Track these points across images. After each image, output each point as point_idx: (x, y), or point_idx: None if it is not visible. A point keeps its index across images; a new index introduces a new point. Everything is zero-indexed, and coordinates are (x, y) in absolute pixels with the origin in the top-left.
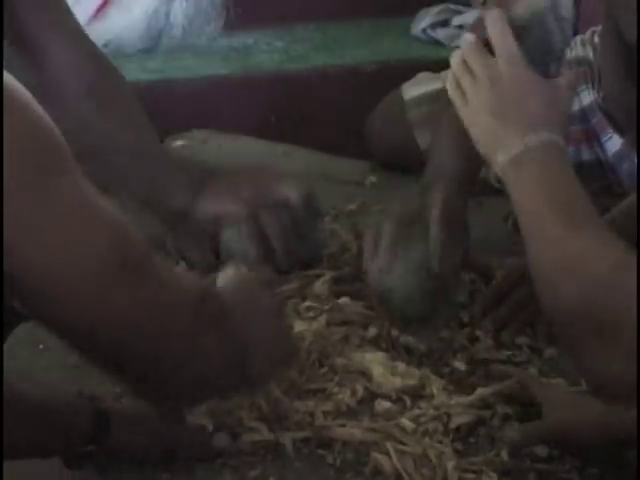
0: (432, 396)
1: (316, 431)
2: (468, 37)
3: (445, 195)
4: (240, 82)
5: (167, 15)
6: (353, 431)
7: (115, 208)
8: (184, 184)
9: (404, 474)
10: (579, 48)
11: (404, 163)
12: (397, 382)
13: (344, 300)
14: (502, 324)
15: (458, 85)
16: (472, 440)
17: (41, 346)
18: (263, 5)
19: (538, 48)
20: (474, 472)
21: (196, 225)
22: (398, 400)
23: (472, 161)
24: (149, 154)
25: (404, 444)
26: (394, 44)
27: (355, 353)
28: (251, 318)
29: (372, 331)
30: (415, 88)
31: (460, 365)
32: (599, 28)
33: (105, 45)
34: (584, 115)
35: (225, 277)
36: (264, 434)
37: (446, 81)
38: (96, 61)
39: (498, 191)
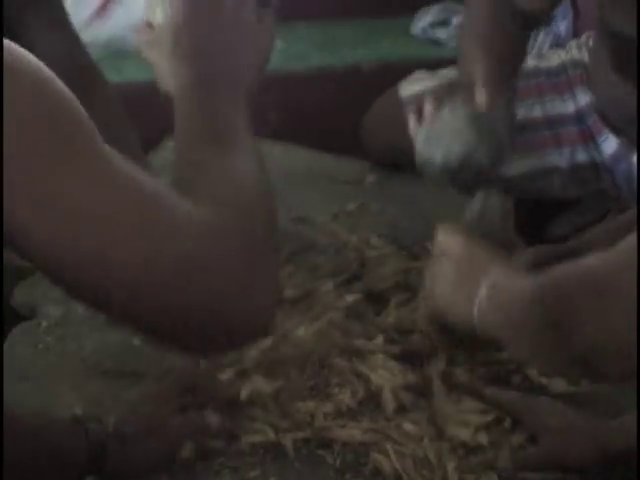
0: (432, 397)
1: (316, 432)
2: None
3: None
4: None
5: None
6: (353, 432)
7: (141, 171)
8: None
9: (404, 475)
10: (575, 51)
11: (399, 161)
12: (398, 383)
13: (347, 299)
14: None
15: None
16: (473, 442)
17: (41, 346)
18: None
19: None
20: (474, 473)
21: None
22: (398, 401)
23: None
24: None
25: (404, 445)
26: (394, 44)
27: (356, 354)
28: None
29: (374, 332)
30: (412, 85)
31: (460, 367)
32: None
33: (106, 44)
34: (580, 116)
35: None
36: (268, 435)
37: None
38: (81, 63)
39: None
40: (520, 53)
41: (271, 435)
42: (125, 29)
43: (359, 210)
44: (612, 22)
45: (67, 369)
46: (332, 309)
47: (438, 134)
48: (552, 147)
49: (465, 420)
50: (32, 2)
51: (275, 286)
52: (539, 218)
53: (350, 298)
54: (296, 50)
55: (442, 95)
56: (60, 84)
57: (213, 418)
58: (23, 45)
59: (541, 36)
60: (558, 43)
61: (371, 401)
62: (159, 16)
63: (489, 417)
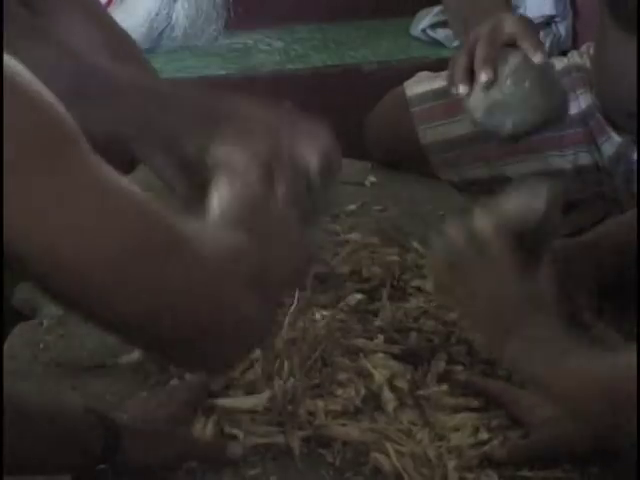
0: (432, 397)
1: (316, 430)
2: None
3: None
4: (240, 82)
5: (169, 17)
6: (353, 431)
7: (133, 185)
8: (199, 129)
9: (404, 474)
10: (577, 58)
11: (404, 161)
12: (398, 383)
13: (347, 300)
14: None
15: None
16: (472, 440)
17: (41, 346)
18: (263, 5)
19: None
20: (474, 472)
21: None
22: (399, 400)
23: None
24: (163, 96)
25: (404, 444)
26: (394, 44)
27: (357, 353)
28: (266, 238)
29: (374, 331)
30: (418, 85)
31: (460, 366)
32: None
33: None
34: (583, 118)
35: (223, 195)
36: (268, 433)
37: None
38: (110, 30)
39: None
40: None
41: (271, 434)
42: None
43: (359, 210)
44: None
45: (67, 369)
46: (332, 309)
47: (503, 103)
48: (555, 149)
49: (464, 419)
50: None
51: (272, 316)
52: None
53: (350, 298)
54: (296, 51)
55: (494, 61)
56: (51, 97)
57: None
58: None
59: (541, 37)
60: (558, 43)
61: (371, 400)
62: None
63: (487, 415)
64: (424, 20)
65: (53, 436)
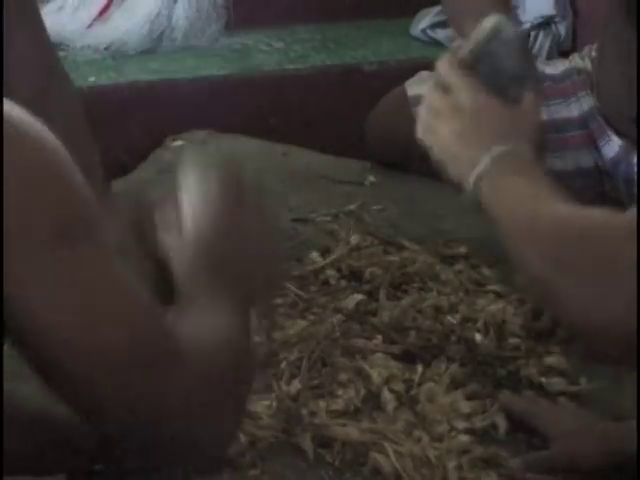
0: (432, 397)
1: (317, 430)
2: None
3: None
4: (240, 82)
5: (169, 18)
6: (353, 431)
7: (137, 281)
8: None
9: (403, 474)
10: (578, 60)
11: (404, 161)
12: (397, 383)
13: (347, 300)
14: None
15: (424, 123)
16: (472, 440)
17: None
18: (263, 6)
19: (496, 74)
20: (474, 473)
21: None
22: (398, 401)
23: None
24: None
25: (403, 444)
26: (394, 44)
27: (357, 353)
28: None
29: (373, 331)
30: (419, 85)
31: (460, 366)
32: (595, 46)
33: (107, 47)
34: (584, 121)
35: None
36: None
37: None
38: (49, 66)
39: None
40: None
41: (272, 434)
42: (126, 32)
43: (359, 210)
44: None
45: None
46: (332, 309)
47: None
48: (557, 150)
49: (462, 418)
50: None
51: (239, 420)
52: None
53: (350, 299)
54: (296, 51)
55: None
56: (65, 156)
57: None
58: None
59: (541, 37)
60: (558, 44)
61: (371, 401)
62: None
63: (485, 416)
64: (424, 20)
65: (48, 436)
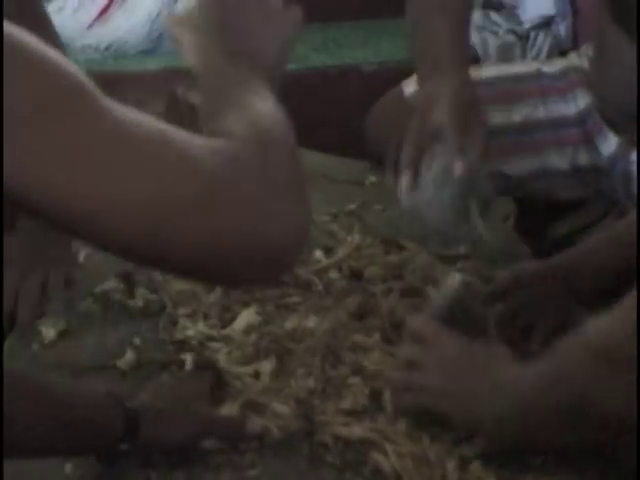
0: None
1: (317, 430)
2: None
3: (455, 88)
4: None
5: None
6: (353, 431)
7: (145, 116)
8: None
9: (403, 474)
10: (575, 59)
11: None
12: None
13: (347, 300)
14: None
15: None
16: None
17: (41, 346)
18: None
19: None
20: (474, 473)
21: None
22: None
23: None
24: None
25: (404, 445)
26: (394, 44)
27: (357, 352)
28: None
29: (373, 331)
30: (415, 84)
31: None
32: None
33: (108, 47)
34: (581, 118)
35: None
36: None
37: None
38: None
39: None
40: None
41: (271, 433)
42: (127, 32)
43: (359, 210)
44: None
45: (67, 369)
46: (332, 309)
47: (425, 203)
48: (554, 148)
49: None
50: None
51: (304, 210)
52: (540, 219)
53: (351, 299)
54: (296, 51)
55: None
56: (56, 54)
57: None
58: None
59: (541, 37)
60: (558, 44)
61: (371, 400)
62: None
63: None
64: None
65: (75, 418)
